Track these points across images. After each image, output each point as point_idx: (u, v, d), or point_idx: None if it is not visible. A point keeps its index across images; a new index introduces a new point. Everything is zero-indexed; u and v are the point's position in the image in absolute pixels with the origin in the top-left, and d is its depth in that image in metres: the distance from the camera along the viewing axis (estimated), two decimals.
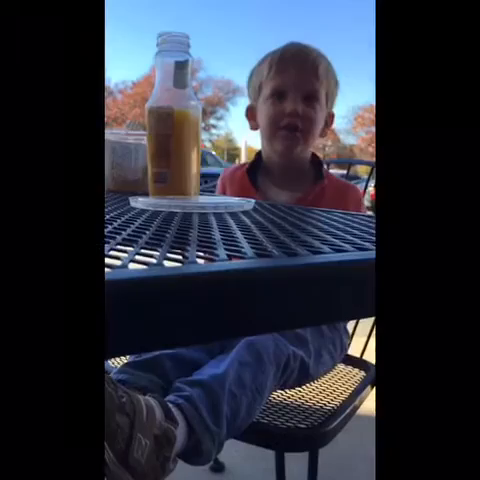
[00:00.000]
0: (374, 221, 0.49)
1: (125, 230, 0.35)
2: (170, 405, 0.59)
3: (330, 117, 1.03)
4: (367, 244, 0.31)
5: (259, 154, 1.06)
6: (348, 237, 0.35)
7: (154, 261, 0.24)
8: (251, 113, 1.04)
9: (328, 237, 0.35)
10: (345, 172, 1.32)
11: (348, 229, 0.41)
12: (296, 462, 0.83)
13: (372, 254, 0.29)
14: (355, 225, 0.44)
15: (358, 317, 0.79)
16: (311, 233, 0.37)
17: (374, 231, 0.40)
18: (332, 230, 0.40)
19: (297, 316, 0.24)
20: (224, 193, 1.08)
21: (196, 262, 0.24)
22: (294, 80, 0.94)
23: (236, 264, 0.23)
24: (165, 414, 0.57)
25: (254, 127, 1.04)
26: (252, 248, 0.29)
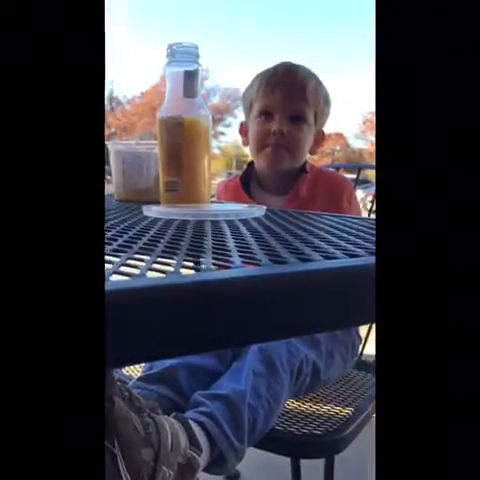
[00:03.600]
0: None
1: (141, 239, 0.36)
2: (193, 424, 0.59)
3: (320, 135, 1.05)
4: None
5: (251, 164, 1.09)
6: (360, 242, 0.36)
7: (171, 269, 0.24)
8: (244, 129, 1.08)
9: (341, 242, 0.35)
10: (355, 176, 1.32)
11: (360, 234, 0.41)
12: (312, 469, 0.82)
13: None
14: (366, 229, 0.45)
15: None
16: (324, 238, 0.38)
17: None
18: (344, 235, 0.40)
19: (313, 321, 0.24)
20: None
21: (212, 269, 0.25)
22: (281, 101, 0.96)
23: (252, 271, 0.24)
24: (190, 440, 0.57)
25: (245, 143, 1.08)
26: (266, 254, 0.29)
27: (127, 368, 0.92)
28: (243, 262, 0.26)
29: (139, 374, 0.76)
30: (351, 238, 0.38)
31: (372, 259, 0.29)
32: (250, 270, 0.24)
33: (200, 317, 0.21)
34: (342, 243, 0.35)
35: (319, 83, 1.00)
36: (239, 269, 0.25)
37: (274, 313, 0.23)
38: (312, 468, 0.81)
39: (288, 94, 0.96)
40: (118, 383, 0.56)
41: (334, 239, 0.37)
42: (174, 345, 0.21)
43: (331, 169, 1.33)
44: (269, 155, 0.99)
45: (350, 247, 0.33)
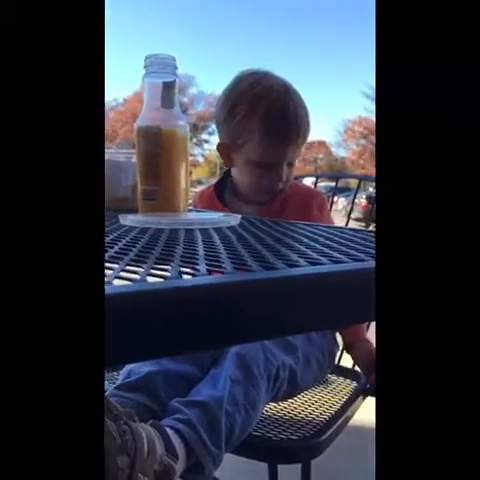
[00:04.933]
0: (356, 234, 0.51)
1: (113, 248, 0.37)
2: (169, 431, 0.60)
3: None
4: (342, 257, 0.33)
5: (227, 173, 1.08)
6: (326, 250, 0.37)
7: (138, 277, 0.25)
8: (225, 152, 1.02)
9: (308, 251, 0.37)
10: (334, 184, 1.34)
11: (327, 242, 0.43)
12: (289, 474, 0.83)
13: (346, 266, 0.30)
14: (336, 239, 0.46)
15: (333, 327, 0.81)
16: (292, 247, 0.39)
17: (352, 244, 0.41)
18: (312, 244, 0.42)
19: (273, 325, 0.26)
20: None
21: (178, 277, 0.26)
22: (282, 153, 0.95)
23: (215, 278, 0.25)
24: (166, 447, 0.57)
25: (228, 165, 1.04)
26: (232, 263, 0.30)
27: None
28: (208, 270, 0.28)
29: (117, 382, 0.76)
30: (317, 246, 0.39)
31: (334, 267, 0.30)
32: (213, 278, 0.25)
33: (160, 322, 0.22)
34: (308, 251, 0.36)
35: (307, 113, 0.97)
36: (203, 277, 0.26)
37: (237, 316, 0.24)
38: (289, 473, 0.82)
39: (290, 146, 0.95)
40: None
41: (301, 247, 0.39)
42: (145, 350, 0.22)
43: (312, 178, 1.35)
44: (266, 194, 1.00)
45: (314, 255, 0.34)
